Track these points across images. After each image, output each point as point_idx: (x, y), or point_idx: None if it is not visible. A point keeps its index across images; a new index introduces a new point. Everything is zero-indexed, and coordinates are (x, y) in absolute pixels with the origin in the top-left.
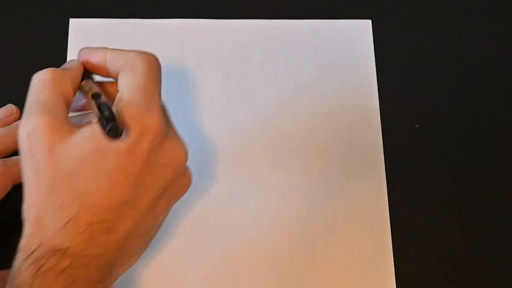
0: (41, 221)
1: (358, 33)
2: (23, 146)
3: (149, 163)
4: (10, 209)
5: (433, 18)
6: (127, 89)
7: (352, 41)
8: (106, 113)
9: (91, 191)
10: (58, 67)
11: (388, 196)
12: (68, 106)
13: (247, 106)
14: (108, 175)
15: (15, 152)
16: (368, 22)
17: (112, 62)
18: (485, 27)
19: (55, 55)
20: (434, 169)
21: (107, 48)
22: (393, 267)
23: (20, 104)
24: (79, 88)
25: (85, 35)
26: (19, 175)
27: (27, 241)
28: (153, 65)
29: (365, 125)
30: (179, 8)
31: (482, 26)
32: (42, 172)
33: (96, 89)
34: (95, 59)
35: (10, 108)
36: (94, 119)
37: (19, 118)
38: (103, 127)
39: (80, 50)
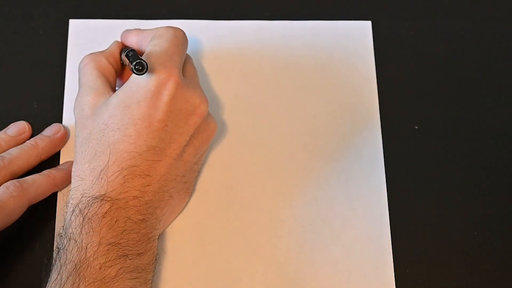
0: (81, 173)
1: (358, 34)
2: (78, 116)
3: (171, 110)
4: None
5: (433, 19)
6: (150, 51)
7: (352, 42)
8: (131, 54)
9: (119, 139)
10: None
11: (387, 197)
12: (109, 77)
13: (247, 107)
14: (133, 123)
15: (28, 172)
16: (368, 23)
17: (143, 40)
18: (485, 27)
19: (55, 55)
20: (434, 170)
21: (140, 29)
22: (393, 268)
23: (21, 103)
24: (121, 60)
25: (85, 36)
26: (34, 195)
27: (72, 195)
28: (178, 36)
29: (364, 126)
30: (179, 9)
31: (482, 27)
32: (84, 130)
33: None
34: (128, 40)
35: (23, 126)
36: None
37: (31, 136)
38: (131, 67)
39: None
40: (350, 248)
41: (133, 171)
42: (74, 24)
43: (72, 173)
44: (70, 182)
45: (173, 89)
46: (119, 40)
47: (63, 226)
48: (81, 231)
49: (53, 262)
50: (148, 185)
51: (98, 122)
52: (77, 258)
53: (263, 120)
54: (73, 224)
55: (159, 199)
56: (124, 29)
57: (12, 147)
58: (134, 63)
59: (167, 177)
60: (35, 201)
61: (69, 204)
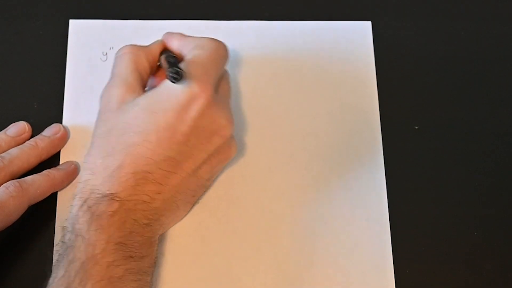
0: (94, 167)
1: (358, 34)
2: (102, 106)
3: (196, 126)
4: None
5: (433, 19)
6: (189, 61)
7: (352, 42)
8: (172, 60)
9: (138, 143)
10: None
11: (387, 197)
12: (143, 74)
13: (247, 107)
14: (156, 130)
15: (28, 172)
16: (368, 24)
17: (184, 47)
18: (485, 27)
19: (55, 56)
20: (434, 170)
21: (183, 34)
22: (393, 268)
23: (21, 103)
24: (159, 61)
25: (85, 36)
26: (34, 196)
27: (82, 188)
28: (220, 50)
29: (364, 126)
30: (179, 9)
31: (482, 27)
32: (106, 123)
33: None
34: (170, 42)
35: (23, 126)
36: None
37: (31, 136)
38: (167, 73)
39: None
40: (350, 248)
41: (146, 176)
42: (74, 24)
43: (83, 164)
44: (70, 182)
45: (202, 105)
46: (161, 40)
47: (68, 220)
48: (89, 227)
49: (58, 257)
50: (159, 193)
51: (121, 120)
52: (85, 255)
53: (263, 120)
54: (81, 220)
55: (167, 208)
56: (167, 31)
57: (12, 147)
58: (172, 70)
59: (178, 189)
60: (35, 201)
61: (77, 198)
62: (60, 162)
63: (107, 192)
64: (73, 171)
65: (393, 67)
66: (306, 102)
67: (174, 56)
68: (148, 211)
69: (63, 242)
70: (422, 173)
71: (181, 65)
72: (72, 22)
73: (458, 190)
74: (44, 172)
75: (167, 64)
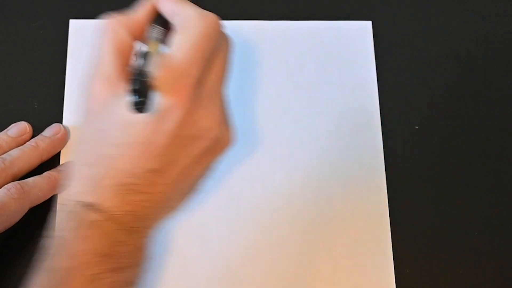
0: (79, 176)
1: (359, 34)
2: (86, 101)
3: (176, 135)
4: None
5: (432, 19)
6: (166, 59)
7: (352, 42)
8: (136, 86)
9: (116, 157)
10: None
11: (388, 197)
12: (125, 54)
13: (247, 107)
14: (133, 143)
15: (29, 174)
16: (368, 24)
17: (176, 17)
18: (485, 27)
19: (55, 56)
20: (434, 170)
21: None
22: (393, 267)
23: (21, 103)
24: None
25: (85, 36)
26: (35, 198)
27: (68, 195)
28: (209, 31)
29: (365, 126)
30: None
31: (482, 27)
32: (88, 127)
33: (152, 44)
34: (162, 7)
35: (24, 126)
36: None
37: (32, 137)
38: (132, 99)
39: None
40: (350, 248)
41: (131, 188)
42: (74, 24)
43: (70, 172)
44: None
45: (178, 117)
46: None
47: (54, 229)
48: (72, 237)
49: (42, 264)
50: (147, 201)
51: (99, 128)
52: (68, 264)
53: (263, 120)
54: (65, 228)
55: (156, 212)
56: None
57: (13, 148)
58: (135, 100)
59: (166, 196)
60: (36, 203)
61: (62, 207)
62: (61, 163)
63: (92, 201)
64: None
65: (393, 67)
66: (306, 102)
67: (140, 79)
68: (136, 221)
69: (47, 251)
70: (422, 173)
71: (156, 61)
72: (72, 22)
73: (458, 190)
74: (45, 174)
75: (132, 84)
